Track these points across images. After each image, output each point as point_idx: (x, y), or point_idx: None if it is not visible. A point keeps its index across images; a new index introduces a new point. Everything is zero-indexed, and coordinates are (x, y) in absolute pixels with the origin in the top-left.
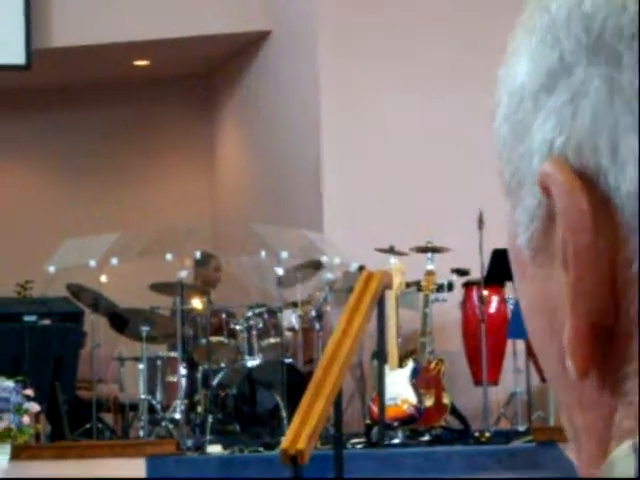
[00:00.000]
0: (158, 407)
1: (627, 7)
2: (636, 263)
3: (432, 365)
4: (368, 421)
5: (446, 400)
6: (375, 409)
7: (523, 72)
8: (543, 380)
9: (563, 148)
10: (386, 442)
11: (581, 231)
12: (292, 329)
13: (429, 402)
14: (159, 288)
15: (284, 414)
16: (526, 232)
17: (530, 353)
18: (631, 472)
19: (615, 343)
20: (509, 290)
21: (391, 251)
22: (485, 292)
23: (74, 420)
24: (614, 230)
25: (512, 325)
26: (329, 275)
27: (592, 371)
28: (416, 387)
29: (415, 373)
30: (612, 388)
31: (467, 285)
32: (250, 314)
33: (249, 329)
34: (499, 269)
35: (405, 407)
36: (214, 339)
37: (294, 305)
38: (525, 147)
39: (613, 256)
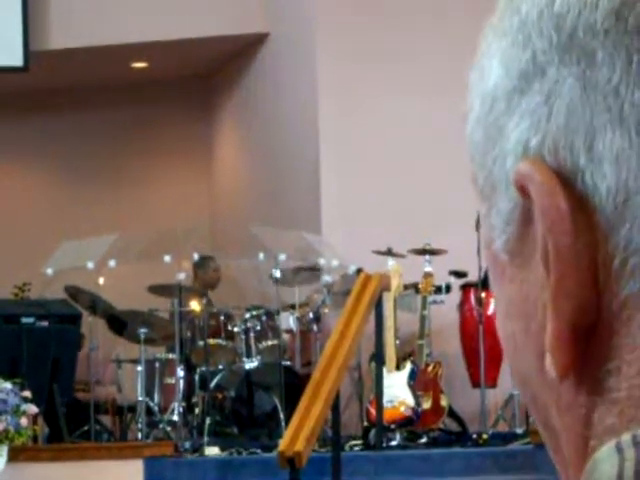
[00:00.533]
0: (156, 409)
1: (599, 3)
2: (618, 259)
3: (430, 367)
4: (366, 423)
5: (444, 402)
6: (373, 411)
7: (495, 74)
8: None
9: (539, 148)
10: (384, 444)
11: (561, 231)
12: (290, 331)
13: (427, 404)
14: (157, 290)
15: (282, 416)
16: (502, 236)
17: None
18: (614, 473)
19: (596, 342)
20: None
21: (389, 253)
22: (483, 294)
23: (72, 422)
24: (593, 229)
25: None
26: (327, 277)
27: (571, 372)
28: (414, 389)
29: (413, 375)
30: (590, 388)
31: (465, 287)
32: (248, 316)
33: (247, 331)
34: None
35: (403, 409)
36: (212, 341)
37: (292, 307)
38: (498, 149)
39: (593, 255)
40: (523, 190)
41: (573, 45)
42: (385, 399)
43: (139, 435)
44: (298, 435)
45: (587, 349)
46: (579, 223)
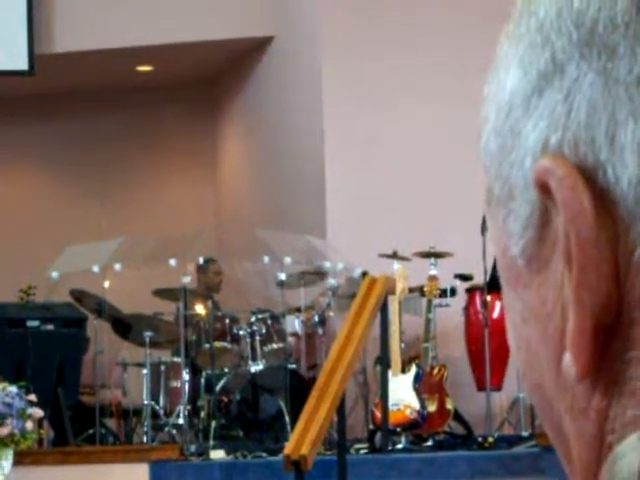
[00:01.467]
0: (161, 412)
1: None
2: (638, 250)
3: (435, 370)
4: (371, 426)
5: (449, 405)
6: (378, 414)
7: (512, 79)
8: None
9: (559, 145)
10: (389, 448)
11: (583, 225)
12: (295, 334)
13: (432, 407)
14: (163, 294)
15: (287, 419)
16: (520, 241)
17: None
18: (636, 465)
19: (615, 336)
20: None
21: (394, 256)
22: (488, 297)
23: (77, 425)
24: (615, 222)
25: None
26: (332, 281)
27: (590, 370)
28: (419, 392)
29: (418, 378)
30: (607, 384)
31: (470, 290)
32: (253, 319)
33: (252, 334)
34: None
35: (408, 412)
36: (217, 344)
37: (297, 311)
38: (515, 154)
39: (615, 247)
40: (543, 187)
41: (594, 40)
42: (390, 402)
43: (144, 438)
44: (304, 438)
45: (605, 345)
46: (601, 216)
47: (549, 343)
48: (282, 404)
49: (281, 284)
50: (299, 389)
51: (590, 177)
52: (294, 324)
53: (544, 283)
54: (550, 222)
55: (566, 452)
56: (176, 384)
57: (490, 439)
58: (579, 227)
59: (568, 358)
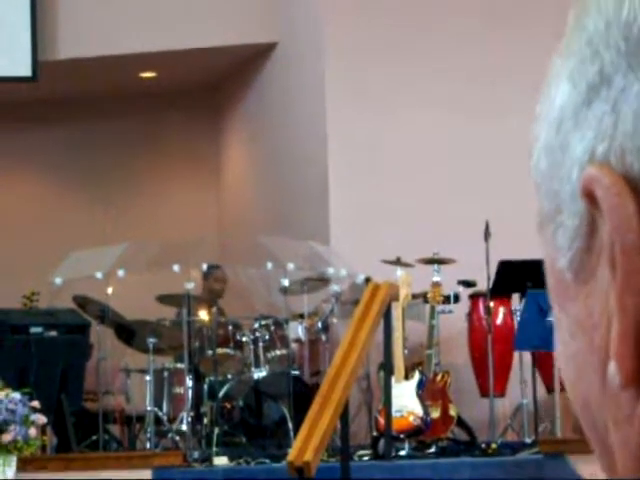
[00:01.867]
0: (164, 419)
1: None
2: None
3: (438, 377)
4: (375, 433)
5: (452, 412)
6: (382, 421)
7: (562, 95)
8: (549, 392)
9: (605, 155)
10: (393, 454)
11: (629, 232)
12: (298, 341)
13: (435, 414)
14: (166, 300)
15: (290, 426)
16: (568, 253)
17: (536, 364)
18: None
19: None
20: (515, 301)
21: (397, 263)
22: (491, 303)
23: (80, 432)
24: None
25: (518, 337)
26: (335, 287)
27: (635, 378)
28: (422, 399)
29: (421, 385)
30: None
31: (473, 297)
32: (257, 326)
33: (255, 341)
34: (505, 280)
35: (411, 419)
36: (220, 351)
37: (301, 317)
38: (565, 168)
39: None
40: (590, 196)
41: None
42: (394, 409)
43: (148, 445)
44: (307, 445)
45: None
46: None
47: (595, 355)
48: (285, 410)
49: (284, 290)
50: (302, 395)
51: (636, 187)
52: (297, 330)
53: (590, 294)
54: (596, 232)
55: (610, 465)
56: (179, 390)
57: (493, 445)
58: (624, 234)
59: (613, 366)
